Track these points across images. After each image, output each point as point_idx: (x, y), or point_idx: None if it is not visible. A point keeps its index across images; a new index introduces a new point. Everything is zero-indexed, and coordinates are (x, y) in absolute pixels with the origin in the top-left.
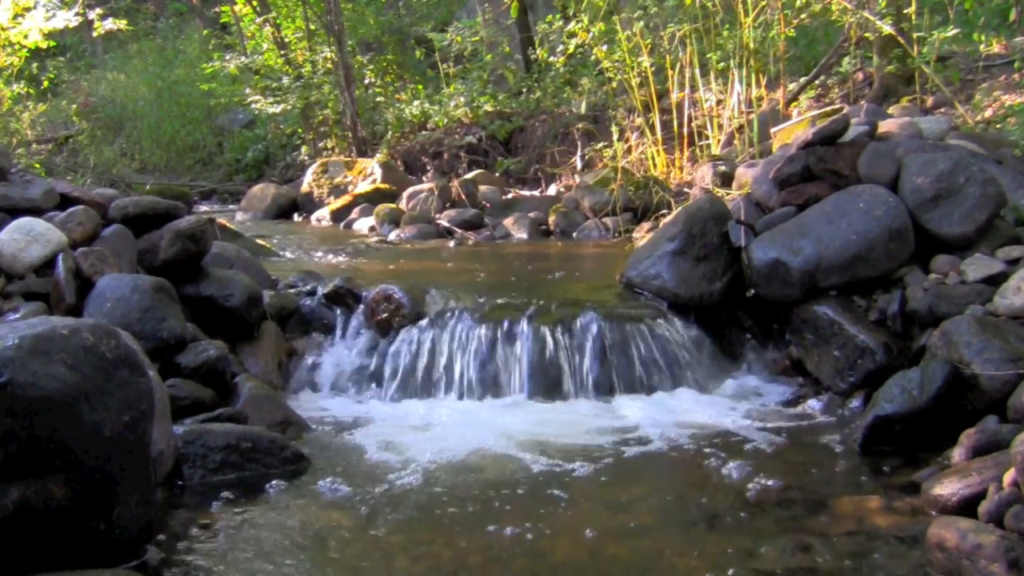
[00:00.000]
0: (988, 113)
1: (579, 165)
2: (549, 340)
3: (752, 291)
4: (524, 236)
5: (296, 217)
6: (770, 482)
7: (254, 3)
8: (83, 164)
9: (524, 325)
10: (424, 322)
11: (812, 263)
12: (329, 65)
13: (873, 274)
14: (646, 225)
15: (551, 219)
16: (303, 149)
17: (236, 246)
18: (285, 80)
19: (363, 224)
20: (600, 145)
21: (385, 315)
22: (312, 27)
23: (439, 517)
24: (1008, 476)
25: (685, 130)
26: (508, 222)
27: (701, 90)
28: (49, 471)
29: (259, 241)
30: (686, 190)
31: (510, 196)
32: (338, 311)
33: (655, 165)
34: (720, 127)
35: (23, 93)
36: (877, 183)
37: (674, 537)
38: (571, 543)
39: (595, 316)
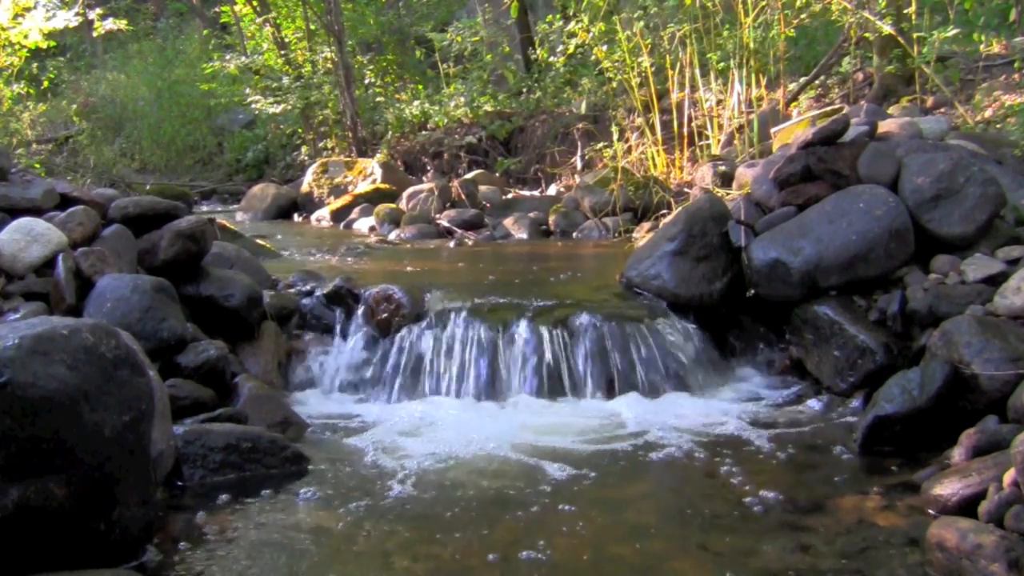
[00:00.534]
0: (988, 113)
1: (579, 165)
2: (549, 340)
3: (752, 291)
4: (524, 236)
5: (296, 217)
6: (770, 482)
7: (254, 3)
8: (83, 164)
9: (524, 325)
10: (424, 322)
11: (812, 263)
12: (329, 65)
13: (873, 274)
14: (646, 225)
15: (551, 219)
16: (303, 149)
17: (236, 246)
18: (285, 80)
19: (363, 224)
20: (600, 145)
21: (385, 315)
22: (312, 27)
23: (439, 517)
24: (1008, 476)
25: (685, 130)
26: (508, 222)
27: (701, 90)
28: (49, 471)
29: (259, 241)
30: (686, 190)
31: (510, 196)
32: (338, 311)
33: (655, 165)
34: (720, 127)
35: (23, 93)
36: (877, 183)
37: (674, 537)
38: (571, 543)
39: (595, 316)
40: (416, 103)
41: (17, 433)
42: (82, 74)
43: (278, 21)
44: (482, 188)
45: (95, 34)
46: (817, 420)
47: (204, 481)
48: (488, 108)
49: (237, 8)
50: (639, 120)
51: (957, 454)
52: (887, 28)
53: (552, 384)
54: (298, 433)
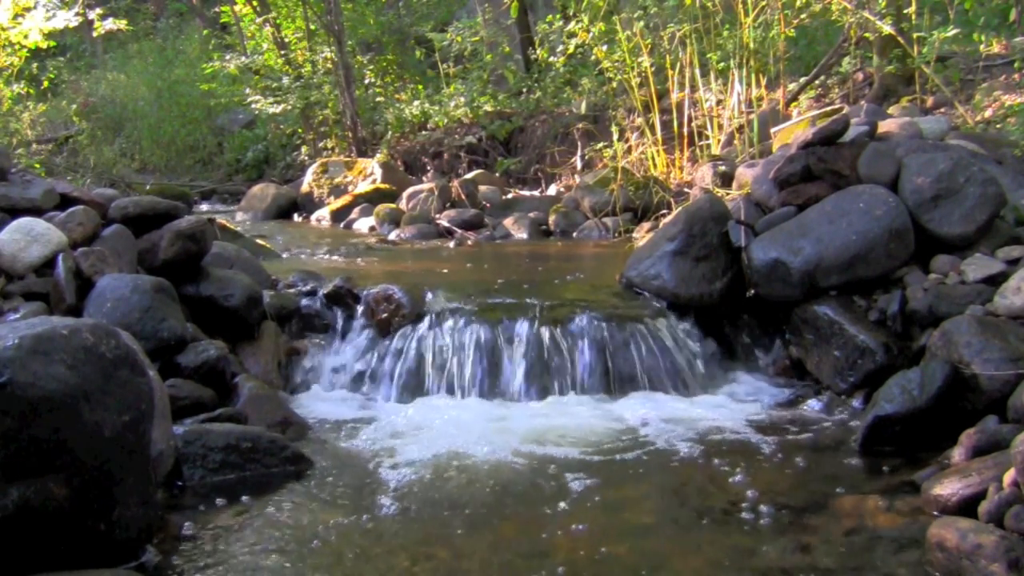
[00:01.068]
0: (988, 113)
1: (579, 165)
2: (549, 340)
3: (752, 291)
4: (524, 236)
5: (296, 217)
6: (770, 482)
7: (254, 3)
8: (83, 164)
9: (524, 325)
10: (424, 322)
11: (812, 263)
12: (329, 65)
13: (873, 274)
14: (646, 225)
15: (551, 219)
16: (303, 149)
17: (236, 246)
18: (285, 80)
19: (363, 224)
20: (600, 145)
21: (385, 315)
22: (312, 27)
23: (439, 517)
24: (1008, 476)
25: (685, 130)
26: (508, 222)
27: (701, 90)
28: (49, 471)
29: (259, 241)
30: (686, 190)
31: (510, 196)
32: (338, 311)
33: (655, 165)
34: (720, 127)
35: (23, 93)
36: (877, 183)
37: (674, 537)
38: (571, 543)
39: (595, 316)
40: (416, 103)
41: (17, 433)
42: (82, 74)
43: (278, 21)
44: (482, 188)
45: (95, 34)
46: (817, 420)
47: (204, 481)
48: (488, 108)
49: (237, 8)
50: (639, 120)
51: (957, 454)
52: (887, 28)
53: (552, 384)
54: (298, 433)
